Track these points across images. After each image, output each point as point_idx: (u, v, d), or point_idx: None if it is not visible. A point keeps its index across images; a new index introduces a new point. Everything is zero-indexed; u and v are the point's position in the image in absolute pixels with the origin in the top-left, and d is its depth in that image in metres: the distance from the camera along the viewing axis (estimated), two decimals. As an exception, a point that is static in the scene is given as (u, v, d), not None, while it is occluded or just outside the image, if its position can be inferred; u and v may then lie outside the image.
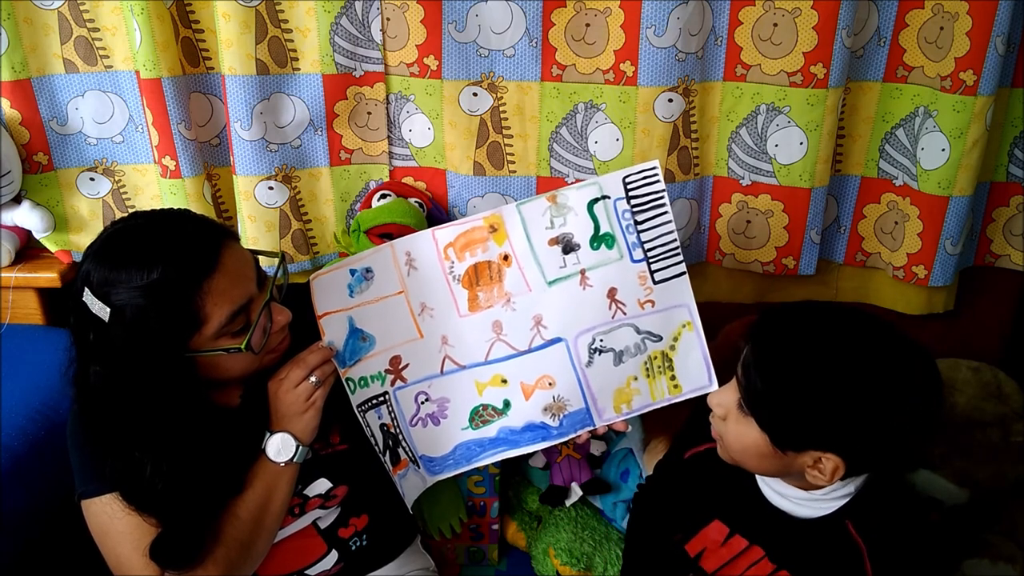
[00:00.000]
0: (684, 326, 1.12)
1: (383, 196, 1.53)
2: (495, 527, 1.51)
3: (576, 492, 1.48)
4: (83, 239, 1.56)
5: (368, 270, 1.06)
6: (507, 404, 1.11)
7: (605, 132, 1.48)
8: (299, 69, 1.46)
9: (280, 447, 1.02)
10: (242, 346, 0.95)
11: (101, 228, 1.53)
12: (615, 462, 1.54)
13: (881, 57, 1.43)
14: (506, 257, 1.08)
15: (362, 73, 1.48)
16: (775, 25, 1.38)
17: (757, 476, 1.04)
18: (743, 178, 1.51)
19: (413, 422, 1.11)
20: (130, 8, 1.33)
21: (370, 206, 1.52)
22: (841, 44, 1.35)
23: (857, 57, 1.42)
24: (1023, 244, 1.54)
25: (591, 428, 1.12)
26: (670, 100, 1.43)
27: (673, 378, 1.13)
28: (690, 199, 1.54)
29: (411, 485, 1.14)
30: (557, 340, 1.10)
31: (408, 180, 1.58)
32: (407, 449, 1.12)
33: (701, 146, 1.51)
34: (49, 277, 1.50)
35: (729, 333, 1.64)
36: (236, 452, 1.03)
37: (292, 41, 1.44)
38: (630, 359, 1.11)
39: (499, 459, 1.13)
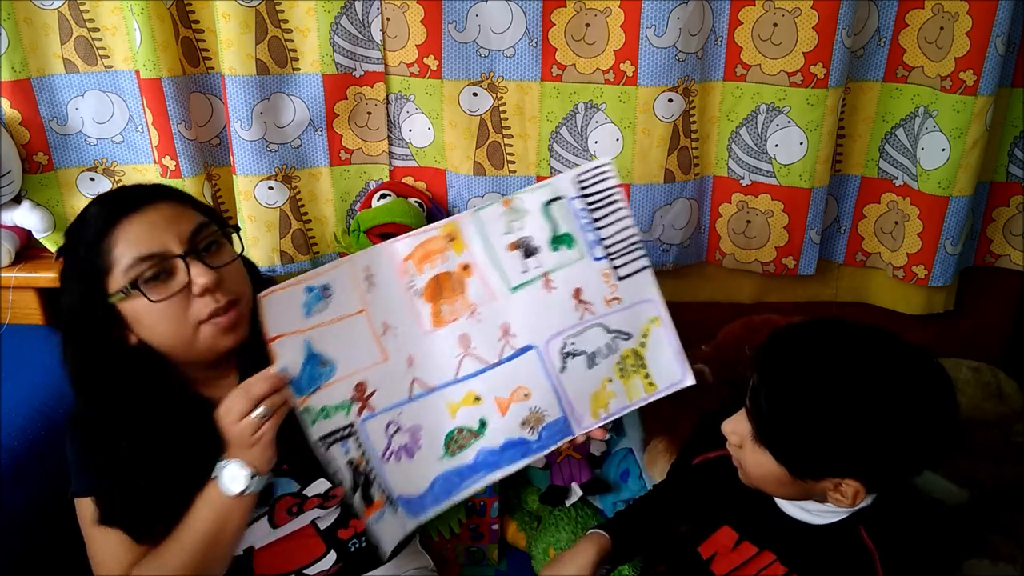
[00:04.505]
0: (652, 321, 1.09)
1: (383, 196, 1.53)
2: (495, 527, 1.51)
3: (576, 492, 1.48)
4: (83, 239, 1.56)
5: (326, 287, 0.97)
6: (483, 424, 1.03)
7: (605, 132, 1.48)
8: (299, 69, 1.46)
9: (232, 477, 0.93)
10: (136, 290, 0.93)
11: (101, 228, 1.56)
12: (615, 462, 1.54)
13: (881, 57, 1.43)
14: (466, 267, 1.03)
15: (362, 73, 1.48)
16: (775, 25, 1.38)
17: None
18: (743, 178, 1.51)
19: (386, 456, 1.00)
20: (130, 8, 1.33)
21: (370, 206, 1.52)
22: (841, 44, 1.35)
23: (857, 57, 1.42)
24: (1023, 244, 1.54)
25: (570, 438, 1.05)
26: (670, 100, 1.43)
27: (647, 376, 1.09)
28: (690, 199, 1.54)
29: (388, 530, 1.01)
30: (528, 348, 1.04)
31: (408, 180, 1.58)
32: (382, 488, 1.01)
33: (701, 146, 1.51)
34: (49, 277, 1.50)
35: (729, 333, 1.64)
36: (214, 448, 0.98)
37: (292, 41, 1.44)
38: (603, 360, 1.06)
39: (481, 487, 1.04)
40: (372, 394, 0.99)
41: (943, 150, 1.40)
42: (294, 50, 1.44)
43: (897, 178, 1.50)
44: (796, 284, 1.62)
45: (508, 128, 1.50)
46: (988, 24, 1.31)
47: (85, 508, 0.99)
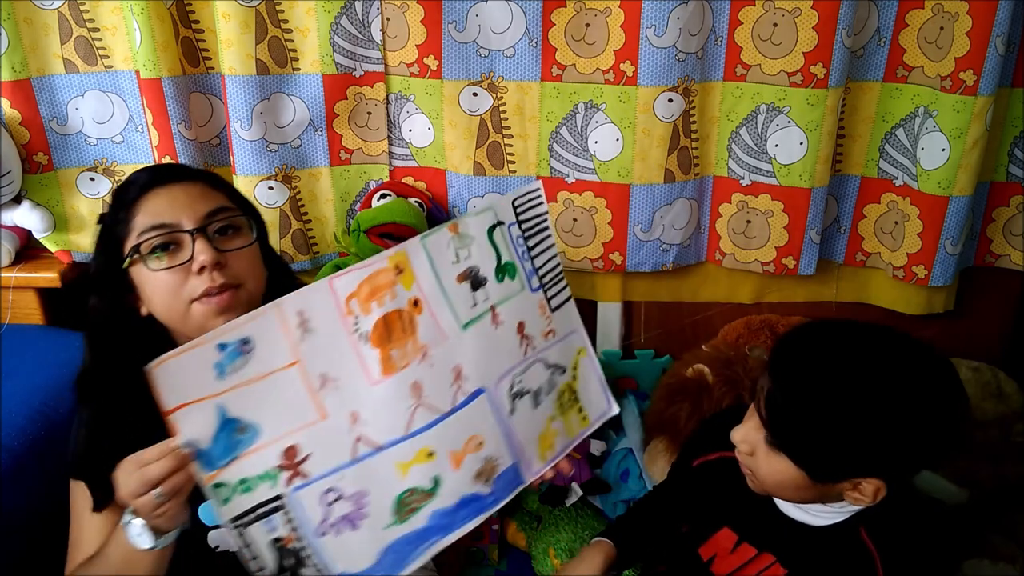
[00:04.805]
0: (579, 352, 1.03)
1: (383, 196, 1.53)
2: (495, 527, 1.50)
3: (576, 492, 1.48)
4: (83, 239, 1.56)
5: (245, 341, 0.82)
6: (437, 482, 0.91)
7: (605, 132, 1.48)
8: (299, 69, 1.46)
9: (138, 534, 0.86)
10: (139, 253, 0.96)
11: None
12: (615, 462, 1.54)
13: (881, 57, 1.43)
14: (416, 302, 0.90)
15: (362, 73, 1.48)
16: (775, 25, 1.38)
17: None
18: (743, 178, 1.51)
19: (322, 531, 0.87)
20: (130, 8, 1.33)
21: (370, 206, 1.52)
22: (841, 44, 1.35)
23: (857, 57, 1.42)
24: (1023, 244, 1.54)
25: (521, 487, 0.97)
26: (670, 100, 1.43)
27: (581, 410, 1.03)
28: (690, 199, 1.54)
29: None
30: (478, 392, 0.93)
31: (408, 180, 1.58)
32: (318, 568, 0.88)
33: (701, 146, 1.51)
34: (49, 277, 1.50)
35: (729, 333, 1.64)
36: None
37: (292, 41, 1.44)
38: (545, 398, 0.99)
39: (434, 552, 0.93)
40: (305, 459, 0.85)
41: (943, 150, 1.40)
42: (294, 50, 1.44)
43: (897, 178, 1.50)
44: (796, 284, 1.62)
45: (508, 128, 1.50)
46: (988, 24, 1.31)
47: (81, 492, 1.00)
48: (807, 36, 1.36)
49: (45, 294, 1.53)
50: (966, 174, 1.41)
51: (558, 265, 1.01)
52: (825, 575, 0.97)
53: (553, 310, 1.00)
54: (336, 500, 0.87)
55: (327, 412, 0.86)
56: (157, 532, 0.85)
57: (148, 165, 1.07)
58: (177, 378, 0.79)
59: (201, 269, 0.95)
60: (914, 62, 1.41)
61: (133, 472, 0.81)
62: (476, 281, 0.94)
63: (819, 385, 0.86)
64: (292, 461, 0.85)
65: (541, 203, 0.99)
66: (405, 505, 0.90)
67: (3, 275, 1.47)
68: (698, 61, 1.42)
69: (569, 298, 1.02)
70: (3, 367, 1.36)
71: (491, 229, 0.95)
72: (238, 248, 1.00)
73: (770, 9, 1.37)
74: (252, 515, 0.83)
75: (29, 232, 1.54)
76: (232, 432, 0.82)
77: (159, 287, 0.97)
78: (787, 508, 1.00)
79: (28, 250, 1.57)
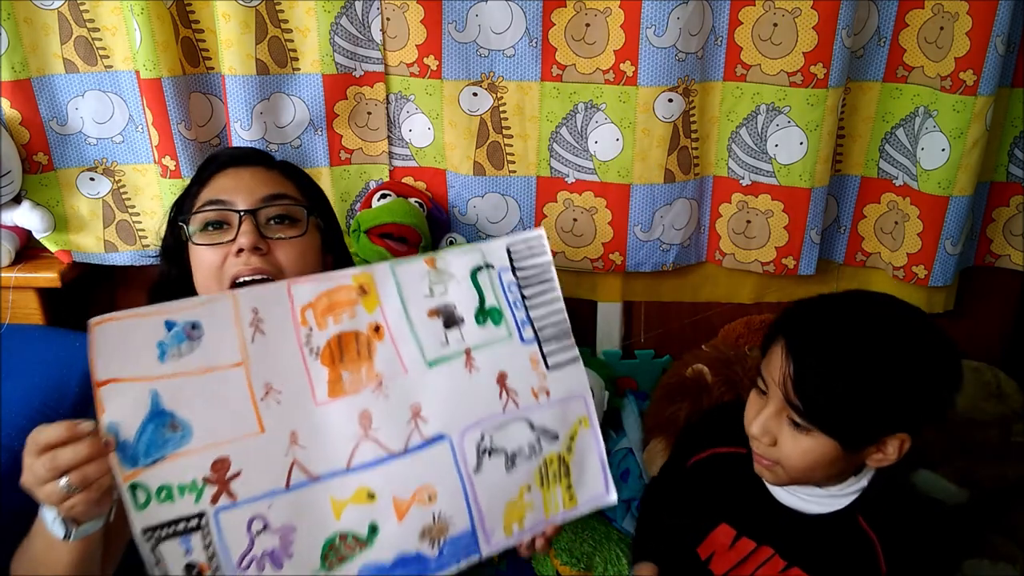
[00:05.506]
0: (580, 422, 0.93)
1: (383, 196, 1.53)
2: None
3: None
4: (83, 239, 1.56)
5: (194, 326, 0.76)
6: (374, 530, 0.82)
7: (605, 132, 1.48)
8: (299, 69, 1.46)
9: (52, 521, 0.77)
10: (186, 224, 0.98)
11: (101, 228, 1.56)
12: (615, 462, 1.54)
13: (881, 57, 1.43)
14: (377, 328, 0.85)
15: (362, 73, 1.48)
16: (775, 25, 1.38)
17: None
18: (743, 178, 1.51)
19: (244, 564, 0.77)
20: (130, 8, 1.33)
21: (370, 206, 1.52)
22: (841, 44, 1.35)
23: (857, 57, 1.42)
24: (1023, 244, 1.54)
25: (476, 558, 0.86)
26: (670, 100, 1.43)
27: (569, 487, 0.92)
28: (690, 199, 1.54)
29: None
30: (439, 438, 0.85)
31: (408, 180, 1.58)
32: None
33: (701, 146, 1.51)
34: (49, 277, 1.50)
35: (729, 333, 1.64)
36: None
37: (292, 41, 1.44)
38: (523, 463, 0.89)
39: None
40: (236, 476, 0.77)
41: (943, 150, 1.40)
42: (294, 50, 1.44)
43: (897, 178, 1.50)
44: (796, 284, 1.62)
45: (508, 128, 1.50)
46: (988, 24, 1.30)
47: None
48: (807, 36, 1.36)
49: (45, 294, 1.53)
50: (966, 174, 1.41)
51: (563, 321, 0.94)
52: (825, 563, 0.98)
53: (550, 368, 0.92)
54: (262, 531, 0.78)
55: (266, 426, 0.79)
56: (74, 522, 0.75)
57: (233, 147, 1.11)
58: (117, 345, 0.73)
59: (239, 251, 0.93)
60: (914, 62, 1.41)
61: (40, 458, 0.71)
62: (450, 319, 0.88)
63: (844, 354, 0.89)
64: (221, 475, 0.77)
65: (543, 253, 0.94)
66: (335, 551, 0.81)
67: (3, 275, 1.47)
68: (698, 61, 1.42)
69: (575, 360, 0.93)
70: (3, 367, 1.36)
71: (476, 270, 0.90)
72: (286, 237, 0.97)
73: (770, 9, 1.37)
74: (168, 530, 0.75)
75: (29, 232, 1.54)
76: (162, 427, 0.75)
77: (200, 263, 0.96)
78: (785, 498, 1.01)
79: (28, 250, 1.57)
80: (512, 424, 0.89)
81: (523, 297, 0.92)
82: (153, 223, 1.56)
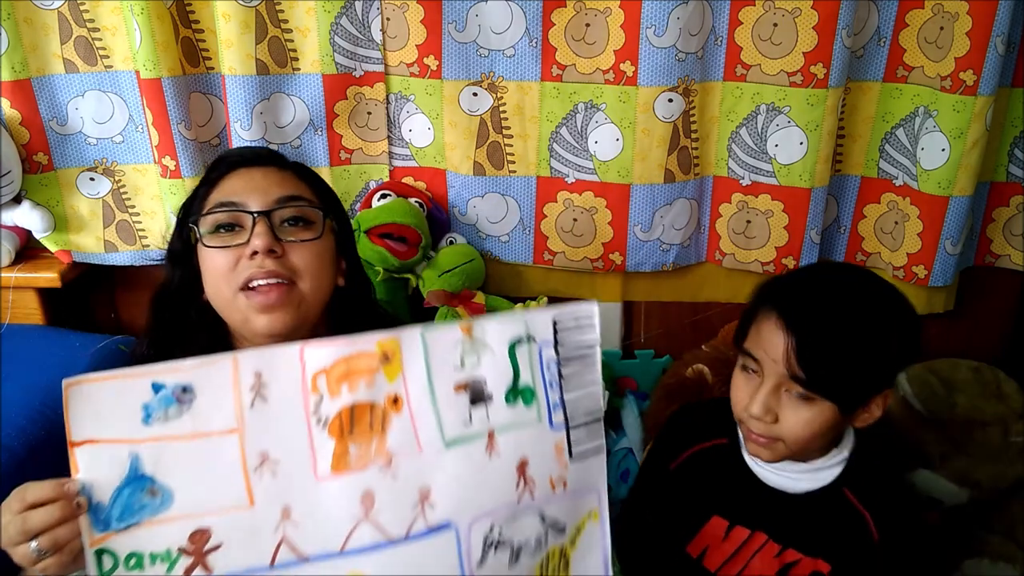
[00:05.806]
0: (591, 515, 0.85)
1: (383, 196, 1.53)
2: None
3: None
4: (83, 239, 1.56)
5: (185, 389, 0.71)
6: None
7: (605, 132, 1.48)
8: (299, 69, 1.46)
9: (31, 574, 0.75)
10: (196, 225, 0.94)
11: (101, 228, 1.56)
12: (615, 462, 1.54)
13: (881, 57, 1.43)
14: (396, 400, 0.77)
15: (362, 73, 1.48)
16: (775, 25, 1.38)
17: (748, 459, 1.04)
18: (743, 178, 1.51)
19: None
20: (130, 8, 1.33)
21: (370, 206, 1.52)
22: (841, 44, 1.35)
23: (857, 57, 1.42)
24: (1023, 244, 1.54)
25: None
26: (670, 100, 1.43)
27: None
28: (690, 199, 1.54)
29: None
30: (445, 526, 0.78)
31: (408, 180, 1.58)
32: None
33: (701, 146, 1.51)
34: (49, 277, 1.50)
35: (729, 333, 1.64)
36: None
37: (292, 41, 1.44)
38: (527, 558, 0.81)
39: None
40: (215, 548, 0.71)
41: (943, 150, 1.40)
42: (294, 50, 1.44)
43: (897, 178, 1.50)
44: (796, 284, 1.62)
45: (508, 128, 1.50)
46: (988, 24, 1.30)
47: None
48: (807, 36, 1.36)
49: (45, 294, 1.53)
50: (966, 174, 1.41)
51: (597, 409, 0.85)
52: (819, 541, 1.00)
53: (573, 457, 0.83)
54: None
55: (256, 499, 0.73)
56: None
57: (243, 147, 1.08)
58: (95, 407, 0.68)
59: (253, 254, 0.90)
60: (914, 62, 1.41)
61: (15, 515, 0.70)
62: (478, 395, 0.80)
63: (841, 321, 0.94)
64: (199, 547, 0.71)
65: (592, 329, 0.83)
66: None
67: (3, 275, 1.48)
68: (698, 61, 1.42)
69: (599, 450, 0.85)
70: (3, 367, 1.36)
71: (515, 343, 0.81)
72: (300, 240, 0.93)
73: (770, 9, 1.37)
74: None
75: (29, 232, 1.54)
76: (140, 492, 0.70)
77: (211, 267, 0.93)
78: (772, 479, 1.03)
79: (28, 250, 1.57)
80: (524, 516, 0.81)
81: (560, 377, 0.83)
82: (153, 223, 1.56)
